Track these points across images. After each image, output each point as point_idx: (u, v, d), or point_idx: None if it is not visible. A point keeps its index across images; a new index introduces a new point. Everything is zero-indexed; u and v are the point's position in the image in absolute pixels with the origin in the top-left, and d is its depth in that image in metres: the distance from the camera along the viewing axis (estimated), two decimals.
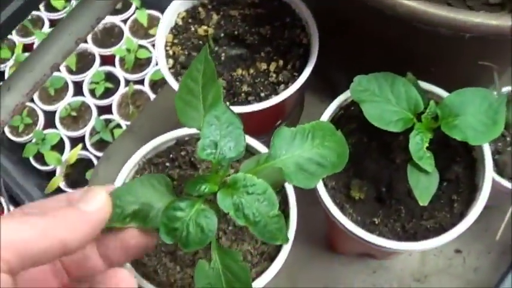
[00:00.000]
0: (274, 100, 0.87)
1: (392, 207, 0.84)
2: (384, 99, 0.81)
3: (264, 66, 0.90)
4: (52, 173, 1.57)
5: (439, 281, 1.01)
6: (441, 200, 0.85)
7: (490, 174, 0.84)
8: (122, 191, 0.65)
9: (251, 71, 0.90)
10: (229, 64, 0.91)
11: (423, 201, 0.78)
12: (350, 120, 0.88)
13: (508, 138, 0.96)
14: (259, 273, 0.78)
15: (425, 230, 0.83)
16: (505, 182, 0.93)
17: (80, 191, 0.62)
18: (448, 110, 0.80)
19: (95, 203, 0.56)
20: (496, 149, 0.95)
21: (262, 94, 0.89)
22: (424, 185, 0.79)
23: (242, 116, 0.88)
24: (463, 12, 0.75)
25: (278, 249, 0.80)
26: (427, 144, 0.79)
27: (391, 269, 1.00)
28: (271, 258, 0.79)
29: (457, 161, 0.87)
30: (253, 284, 0.77)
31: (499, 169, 0.94)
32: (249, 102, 0.89)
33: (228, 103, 0.89)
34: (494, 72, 0.91)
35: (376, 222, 0.83)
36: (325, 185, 0.84)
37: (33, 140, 1.46)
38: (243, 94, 0.89)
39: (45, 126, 1.74)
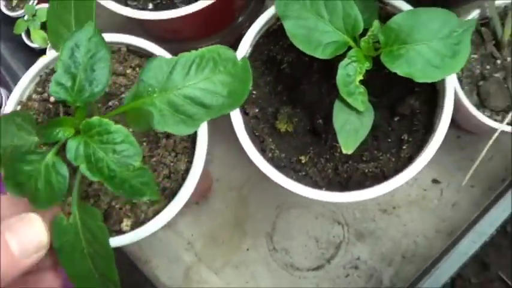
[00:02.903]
0: (200, 4, 0.70)
1: (327, 143, 0.68)
2: (316, 16, 0.62)
3: None
4: (44, 52, 1.45)
5: (408, 215, 0.85)
6: (389, 138, 0.68)
7: (448, 113, 0.65)
8: None
9: None
10: None
11: (347, 148, 0.62)
12: None
13: (499, 61, 0.75)
14: (156, 212, 0.65)
15: (362, 174, 0.66)
16: (482, 117, 0.73)
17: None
18: (393, 35, 0.61)
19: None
20: (481, 73, 0.75)
21: None
22: (352, 128, 0.62)
23: (173, 21, 0.72)
24: None
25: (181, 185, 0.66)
26: (361, 77, 0.61)
27: None
28: (174, 195, 0.66)
29: (416, 92, 0.68)
30: (149, 224, 0.64)
31: (481, 98, 0.74)
32: (175, 6, 0.71)
33: (150, 5, 0.72)
34: None
35: (304, 161, 0.67)
36: (246, 113, 0.67)
37: (26, 16, 1.34)
38: None
39: (40, 1, 1.57)
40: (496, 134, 0.73)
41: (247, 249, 0.85)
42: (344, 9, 0.62)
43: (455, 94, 0.74)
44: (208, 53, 0.54)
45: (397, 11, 0.68)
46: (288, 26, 0.62)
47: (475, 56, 0.76)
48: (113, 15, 0.72)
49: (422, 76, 0.60)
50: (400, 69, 0.60)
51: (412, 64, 0.60)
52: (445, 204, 0.86)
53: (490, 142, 0.72)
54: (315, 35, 0.62)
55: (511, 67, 0.76)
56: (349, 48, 0.62)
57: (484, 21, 0.77)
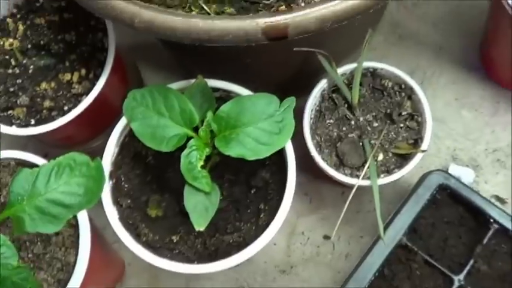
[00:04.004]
0: (74, 113, 0.81)
1: None
2: (158, 115, 0.73)
3: (68, 76, 0.84)
4: None
5: (306, 272, 0.95)
6: (248, 209, 0.78)
7: (291, 181, 0.76)
8: None
9: (52, 84, 0.84)
10: (37, 77, 0.86)
11: (199, 225, 0.72)
12: None
13: (353, 122, 0.86)
14: None
15: (228, 245, 0.77)
16: (339, 175, 0.83)
17: None
18: (224, 122, 0.72)
19: None
20: (338, 135, 0.85)
21: (66, 108, 0.84)
22: (202, 207, 0.72)
23: (57, 131, 0.83)
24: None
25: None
26: (201, 163, 0.71)
27: (254, 261, 0.94)
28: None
29: (267, 165, 0.78)
30: None
31: (339, 158, 0.84)
32: (52, 118, 0.83)
33: (33, 121, 0.84)
34: (321, 58, 0.81)
35: (175, 240, 0.77)
36: (120, 204, 0.78)
37: None
38: (45, 111, 0.83)
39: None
40: (354, 189, 0.83)
41: None
42: (180, 106, 0.73)
43: (316, 159, 0.85)
44: (64, 160, 0.66)
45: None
46: (135, 126, 0.74)
47: (331, 121, 0.87)
48: None
49: (253, 155, 0.71)
50: (232, 151, 0.71)
51: (243, 145, 0.71)
52: (338, 257, 0.95)
53: (350, 197, 0.82)
54: (159, 131, 0.73)
55: (365, 125, 0.86)
56: (190, 138, 0.73)
57: (335, 88, 0.88)
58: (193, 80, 0.78)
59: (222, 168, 0.78)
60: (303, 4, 0.71)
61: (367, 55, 0.83)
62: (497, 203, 0.97)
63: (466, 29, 1.05)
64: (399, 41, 1.06)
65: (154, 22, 0.66)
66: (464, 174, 0.98)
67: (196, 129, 0.74)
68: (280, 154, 0.77)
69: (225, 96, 0.80)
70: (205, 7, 0.73)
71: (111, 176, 0.79)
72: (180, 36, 0.66)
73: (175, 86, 0.79)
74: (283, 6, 0.69)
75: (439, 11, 1.07)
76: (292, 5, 0.71)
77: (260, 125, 0.72)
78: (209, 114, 0.73)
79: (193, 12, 0.72)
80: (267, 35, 0.64)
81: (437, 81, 1.04)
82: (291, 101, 0.73)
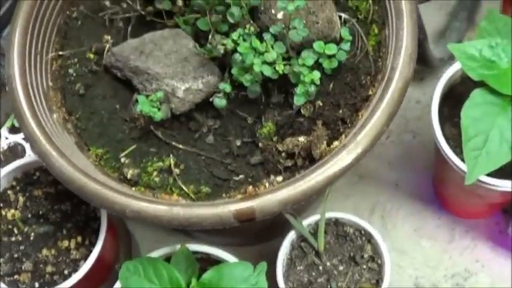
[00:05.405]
0: (75, 278, 0.96)
1: None
2: (150, 282, 0.87)
3: (66, 243, 0.99)
4: None
5: None
6: None
7: None
8: None
9: (53, 250, 0.98)
10: (38, 243, 1.00)
11: None
12: None
13: (321, 267, 1.01)
14: None
15: None
16: None
17: None
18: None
19: None
20: (309, 280, 1.00)
21: (66, 272, 0.98)
22: None
23: None
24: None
25: None
26: None
27: None
28: None
29: None
30: None
31: None
32: (55, 282, 0.97)
33: (37, 284, 0.98)
34: (287, 215, 0.96)
35: None
36: None
37: None
38: (47, 275, 0.97)
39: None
40: None
41: None
42: (168, 274, 0.88)
43: None
44: None
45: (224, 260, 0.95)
46: None
47: (301, 267, 1.02)
48: None
49: None
50: None
51: None
52: None
53: None
54: None
55: (331, 269, 1.02)
56: None
57: (302, 238, 1.04)
58: (178, 246, 0.93)
59: None
60: (267, 184, 0.87)
61: (331, 196, 0.98)
62: None
63: (419, 166, 1.22)
64: (359, 181, 1.22)
65: (141, 212, 0.81)
66: None
67: None
68: None
69: (205, 257, 0.96)
70: (184, 187, 0.89)
71: None
72: (165, 224, 0.81)
73: (162, 252, 0.94)
74: (250, 186, 0.85)
75: (393, 151, 1.24)
76: (257, 184, 0.87)
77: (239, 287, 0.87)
78: (193, 281, 0.88)
79: (174, 194, 0.88)
80: (238, 218, 0.80)
81: (397, 214, 1.20)
82: (262, 266, 0.88)
